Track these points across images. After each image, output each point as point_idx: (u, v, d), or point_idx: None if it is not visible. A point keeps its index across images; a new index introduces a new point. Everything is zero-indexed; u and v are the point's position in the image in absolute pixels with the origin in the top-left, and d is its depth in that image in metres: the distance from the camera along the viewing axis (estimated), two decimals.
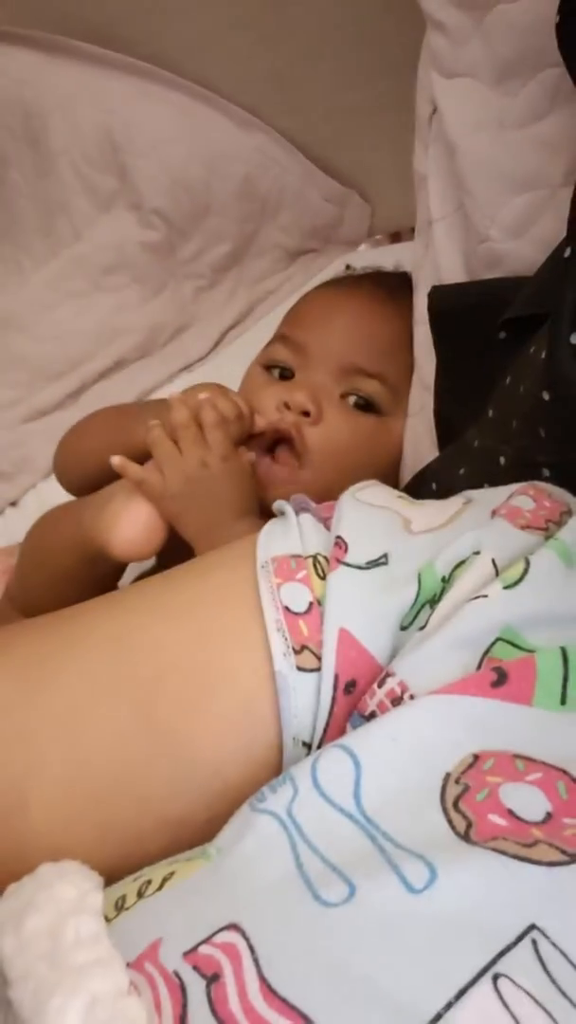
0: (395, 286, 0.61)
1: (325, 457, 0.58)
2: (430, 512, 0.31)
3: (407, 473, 0.60)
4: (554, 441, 0.36)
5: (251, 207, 0.82)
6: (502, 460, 0.40)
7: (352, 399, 0.59)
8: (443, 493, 0.35)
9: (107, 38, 0.75)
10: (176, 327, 0.87)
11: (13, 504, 0.83)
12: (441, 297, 0.51)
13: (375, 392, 0.59)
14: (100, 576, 0.58)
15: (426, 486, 0.50)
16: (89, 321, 0.85)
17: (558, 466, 0.36)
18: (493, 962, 0.18)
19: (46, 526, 0.63)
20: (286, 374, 0.61)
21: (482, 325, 0.45)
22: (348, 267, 0.76)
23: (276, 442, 0.59)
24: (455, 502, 0.32)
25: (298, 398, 0.58)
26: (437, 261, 0.52)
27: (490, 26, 0.42)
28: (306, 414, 0.58)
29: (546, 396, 0.35)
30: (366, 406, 0.60)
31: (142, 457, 0.54)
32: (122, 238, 0.83)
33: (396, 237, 0.86)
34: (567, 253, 0.35)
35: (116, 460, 0.54)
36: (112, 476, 0.56)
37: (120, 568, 0.59)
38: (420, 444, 0.57)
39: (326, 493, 0.36)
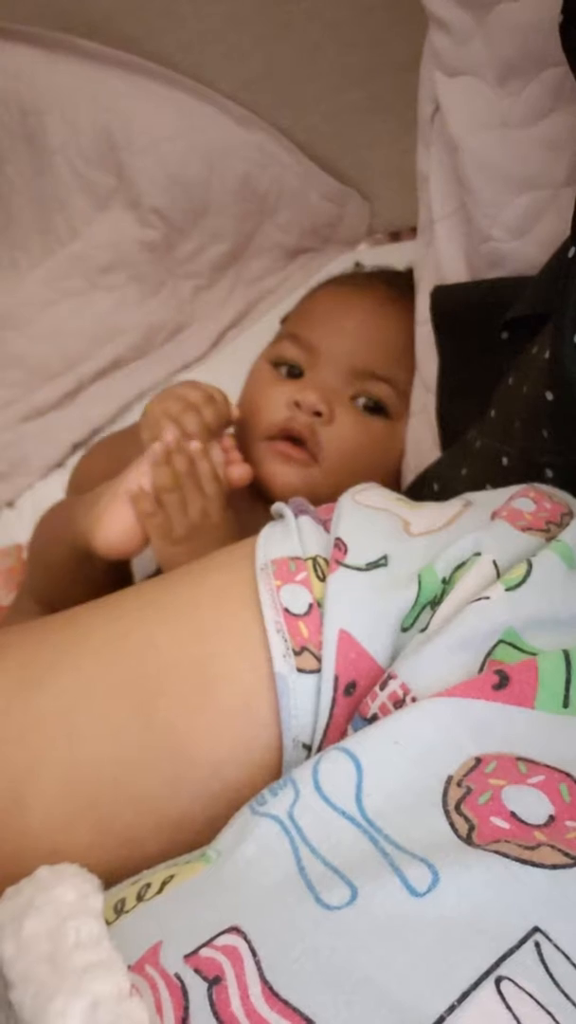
0: (405, 287, 0.61)
1: (336, 458, 0.58)
2: (429, 514, 0.31)
3: (407, 473, 0.60)
4: (557, 441, 0.36)
5: (250, 206, 0.81)
6: (504, 460, 0.40)
7: (361, 401, 0.59)
8: (445, 494, 0.35)
9: (106, 35, 0.74)
10: (174, 326, 0.86)
11: (9, 505, 0.83)
12: (444, 297, 0.51)
13: (385, 395, 0.59)
14: (97, 573, 0.58)
15: (428, 487, 0.50)
16: (86, 320, 0.84)
17: (561, 466, 0.36)
18: (496, 965, 0.18)
19: (46, 521, 0.65)
20: (295, 372, 0.61)
21: (484, 325, 0.45)
22: (358, 264, 0.75)
23: (284, 442, 0.58)
24: (455, 504, 0.32)
25: (310, 398, 0.57)
26: (439, 261, 0.52)
27: (492, 25, 0.42)
28: (318, 414, 0.58)
29: (549, 396, 0.35)
30: (375, 408, 0.59)
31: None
32: (120, 236, 0.83)
33: (396, 236, 0.86)
34: (571, 253, 0.35)
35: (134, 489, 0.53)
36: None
37: (115, 567, 0.60)
38: (421, 444, 0.57)
39: (335, 496, 0.35)
